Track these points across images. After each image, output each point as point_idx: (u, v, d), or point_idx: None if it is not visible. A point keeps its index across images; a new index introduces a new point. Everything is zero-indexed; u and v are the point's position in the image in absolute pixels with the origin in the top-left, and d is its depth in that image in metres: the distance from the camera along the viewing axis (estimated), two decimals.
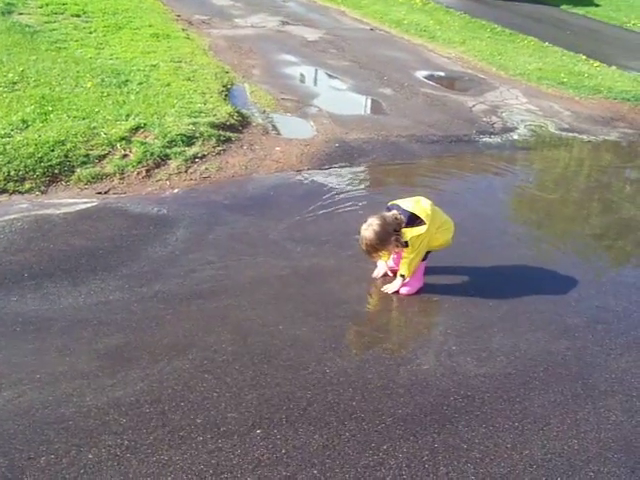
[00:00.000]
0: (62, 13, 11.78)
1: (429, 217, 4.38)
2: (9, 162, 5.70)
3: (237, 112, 7.68)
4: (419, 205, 4.45)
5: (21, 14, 11.40)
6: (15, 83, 7.66)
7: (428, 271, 4.75)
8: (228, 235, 5.15)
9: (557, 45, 14.28)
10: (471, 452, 3.31)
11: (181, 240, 5.00)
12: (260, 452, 3.19)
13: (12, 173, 5.61)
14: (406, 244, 4.39)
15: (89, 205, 5.40)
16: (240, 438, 3.26)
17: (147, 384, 3.55)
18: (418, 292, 4.65)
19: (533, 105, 9.72)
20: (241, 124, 7.43)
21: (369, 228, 4.27)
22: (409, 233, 4.35)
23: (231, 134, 7.06)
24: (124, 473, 3.00)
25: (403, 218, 4.35)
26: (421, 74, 10.88)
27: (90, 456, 3.08)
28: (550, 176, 7.50)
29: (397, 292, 4.60)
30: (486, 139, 8.10)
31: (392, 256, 4.72)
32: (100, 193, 5.61)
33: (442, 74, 11.16)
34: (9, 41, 9.37)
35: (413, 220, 4.37)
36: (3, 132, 6.16)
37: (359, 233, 4.36)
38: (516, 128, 8.62)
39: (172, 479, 3.00)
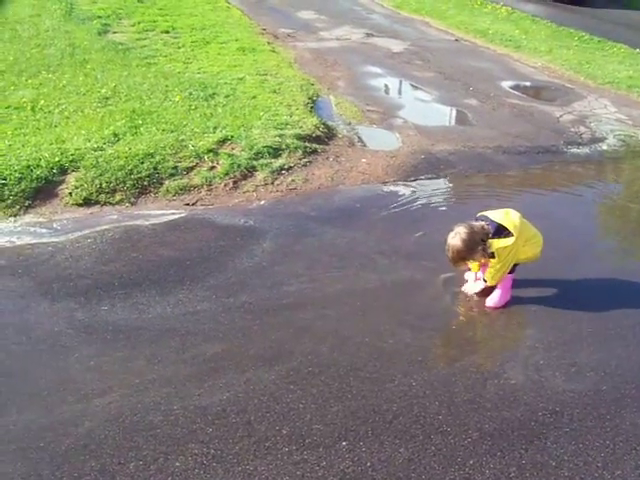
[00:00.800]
0: (152, 30, 12.09)
1: (517, 229, 4.24)
2: (101, 175, 5.84)
3: (323, 124, 7.66)
4: (508, 217, 4.32)
5: (115, 33, 11.79)
6: (108, 98, 7.88)
7: (516, 284, 4.59)
8: (315, 247, 5.11)
9: None
10: (560, 470, 3.17)
11: (268, 251, 4.99)
12: (345, 464, 3.14)
13: (104, 185, 5.75)
14: (492, 255, 4.26)
15: (177, 216, 5.47)
16: (325, 450, 3.21)
17: (233, 394, 3.55)
18: (506, 305, 4.50)
19: (623, 114, 9.35)
20: (327, 136, 7.41)
21: (456, 236, 4.16)
22: (496, 244, 4.23)
23: (317, 146, 7.05)
24: None
25: (490, 229, 4.22)
26: (507, 84, 10.63)
27: (177, 464, 3.10)
28: None
29: (480, 297, 4.50)
30: (574, 150, 7.81)
31: (480, 270, 4.60)
32: (188, 204, 5.68)
33: (528, 84, 10.88)
34: (103, 59, 9.68)
35: (501, 231, 4.24)
36: (96, 145, 6.33)
37: (446, 242, 4.25)
38: (605, 138, 8.29)
39: None
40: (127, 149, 6.27)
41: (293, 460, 3.14)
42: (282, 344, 3.97)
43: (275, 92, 8.68)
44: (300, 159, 6.68)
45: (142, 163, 6.06)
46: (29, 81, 8.51)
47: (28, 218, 5.40)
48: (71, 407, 3.44)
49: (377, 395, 3.60)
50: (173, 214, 5.50)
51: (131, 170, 5.94)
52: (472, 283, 4.60)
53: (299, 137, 7.07)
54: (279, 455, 3.17)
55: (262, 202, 5.82)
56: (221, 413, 3.41)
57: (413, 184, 6.44)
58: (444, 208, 5.96)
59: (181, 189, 5.88)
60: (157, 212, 5.52)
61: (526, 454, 3.25)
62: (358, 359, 3.87)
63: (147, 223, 5.33)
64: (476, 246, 4.18)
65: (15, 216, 5.41)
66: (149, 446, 3.20)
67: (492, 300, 4.48)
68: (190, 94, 8.18)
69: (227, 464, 3.11)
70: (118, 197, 5.69)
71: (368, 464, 3.14)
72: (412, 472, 3.11)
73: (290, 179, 6.27)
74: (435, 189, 6.39)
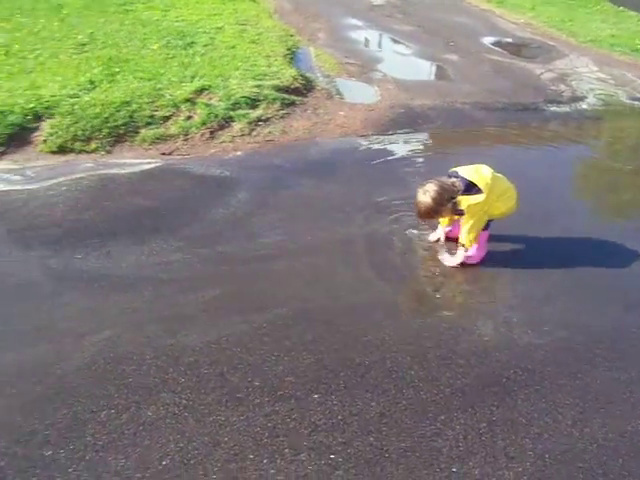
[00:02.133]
0: None
1: (488, 186, 4.23)
2: (76, 122, 5.78)
3: (301, 76, 7.61)
4: (479, 173, 4.32)
5: None
6: (84, 45, 7.76)
7: (491, 241, 4.64)
8: (291, 199, 5.12)
9: (633, 10, 13.70)
10: (530, 427, 3.23)
11: (243, 202, 5.00)
12: (317, 417, 3.17)
13: (79, 133, 5.70)
14: (462, 212, 4.28)
15: (153, 165, 5.45)
16: (297, 402, 3.25)
17: (206, 345, 3.57)
18: (481, 261, 4.55)
19: (604, 74, 9.37)
20: (305, 88, 7.37)
21: (426, 194, 4.15)
22: (465, 201, 4.23)
23: (295, 98, 7.01)
24: (181, 431, 3.03)
25: (461, 185, 4.21)
26: (488, 40, 10.59)
27: (149, 413, 3.12)
28: (620, 146, 7.23)
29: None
30: (554, 108, 7.84)
31: (450, 225, 4.63)
32: (164, 154, 5.65)
33: (510, 40, 10.84)
34: (80, 4, 9.50)
35: (470, 188, 4.23)
36: (72, 92, 6.25)
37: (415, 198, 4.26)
38: (585, 97, 8.32)
39: (228, 439, 3.01)
40: (103, 97, 6.20)
41: (265, 412, 3.17)
42: (256, 296, 3.99)
43: (254, 42, 8.58)
44: (278, 110, 6.65)
45: (118, 111, 6.00)
46: (2, 25, 8.33)
47: (1, 165, 5.35)
48: (43, 355, 3.44)
49: (350, 348, 3.63)
50: (149, 163, 5.48)
51: (107, 118, 5.89)
52: (449, 257, 4.55)
53: (277, 88, 7.02)
54: (251, 406, 3.19)
55: (238, 153, 5.81)
56: (193, 364, 3.42)
57: (391, 138, 6.44)
58: (421, 162, 5.98)
59: (157, 138, 5.84)
60: (133, 161, 5.49)
61: (497, 410, 3.30)
62: (332, 312, 3.90)
63: (123, 172, 5.31)
64: (445, 203, 4.18)
65: None
66: (121, 395, 3.21)
67: (467, 256, 4.51)
68: (168, 42, 8.07)
69: (198, 414, 3.13)
70: (93, 145, 5.64)
71: (340, 417, 3.18)
72: (384, 426, 3.15)
73: (267, 130, 6.25)
74: (413, 143, 6.40)
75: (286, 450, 2.96)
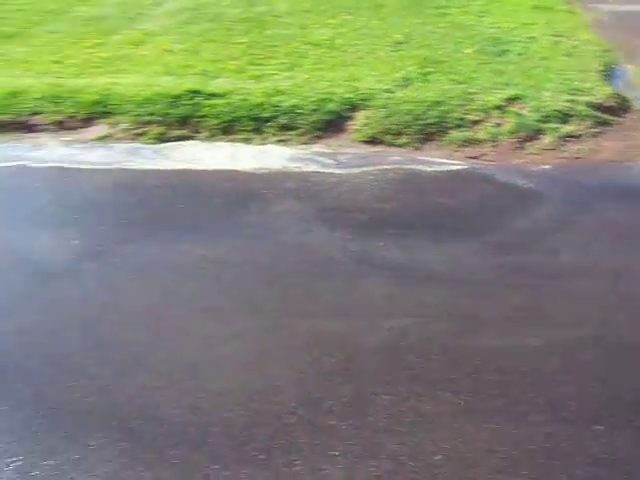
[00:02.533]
0: None
1: None
2: (389, 116, 6.00)
3: (618, 95, 7.17)
4: None
5: None
6: (400, 43, 8.01)
7: None
8: (595, 221, 4.86)
9: None
10: None
11: (547, 217, 4.84)
12: (597, 450, 2.92)
13: (391, 126, 5.91)
14: None
15: (459, 167, 5.48)
16: (578, 430, 3.03)
17: (493, 351, 3.50)
18: None
19: None
20: (621, 107, 6.93)
21: None
22: None
23: (609, 117, 6.62)
24: (457, 431, 3.01)
25: None
26: None
27: (428, 407, 3.13)
28: None
29: None
30: None
31: None
32: (471, 157, 5.66)
33: None
34: (398, 5, 9.82)
35: None
36: (386, 87, 6.50)
37: None
38: None
39: (502, 450, 2.92)
40: (416, 94, 6.37)
41: (544, 431, 3.01)
42: (552, 312, 3.84)
43: (569, 55, 8.25)
44: (589, 128, 6.33)
45: (429, 110, 6.12)
46: (329, 21, 8.90)
47: (317, 148, 5.72)
48: (338, 331, 3.63)
49: None
50: (455, 164, 5.52)
51: (418, 115, 6.03)
52: None
53: (591, 105, 6.68)
54: (529, 422, 3.05)
55: (545, 166, 5.63)
56: (478, 368, 3.36)
57: None
58: None
59: (465, 141, 5.86)
60: (439, 160, 5.57)
61: None
62: (631, 343, 3.60)
63: (428, 169, 5.42)
64: None
65: (305, 144, 5.77)
66: (403, 384, 3.25)
67: None
68: (481, 48, 8.05)
69: (476, 418, 3.08)
70: (403, 140, 5.82)
71: (622, 455, 2.92)
72: None
73: (577, 147, 5.98)
74: None
75: (561, 475, 2.81)
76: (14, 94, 6.53)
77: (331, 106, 6.11)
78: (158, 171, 5.35)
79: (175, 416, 3.04)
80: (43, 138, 6.02)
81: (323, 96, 6.23)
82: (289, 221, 4.68)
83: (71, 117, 6.19)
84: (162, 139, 5.80)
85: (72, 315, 3.81)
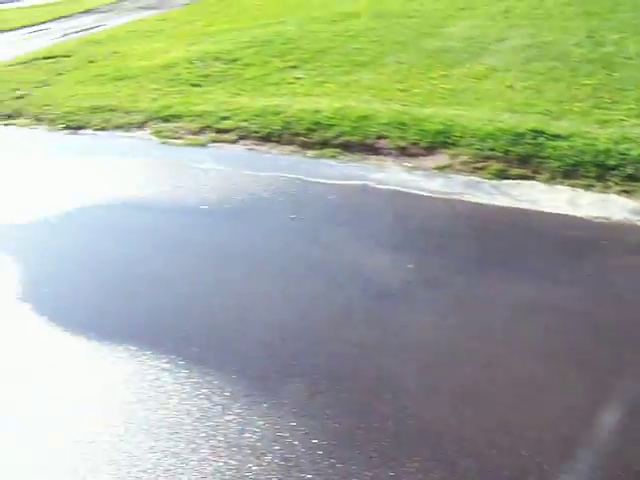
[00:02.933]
0: None
1: None
2: None
3: None
4: None
5: None
6: None
7: None
8: None
9: None
10: None
11: None
12: None
13: None
14: None
15: None
16: None
17: None
18: None
19: None
20: None
21: None
22: None
23: None
24: None
25: None
26: None
27: None
28: None
29: None
30: None
31: None
32: None
33: None
34: None
35: None
36: None
37: None
38: None
39: None
40: None
41: None
42: None
43: None
44: None
45: None
46: None
47: None
48: None
49: None
50: None
51: None
52: None
53: None
54: None
55: None
56: None
57: None
58: None
59: None
60: None
61: None
62: None
63: None
64: None
65: None
66: None
67: None
68: None
69: None
70: None
71: None
72: None
73: None
74: None
75: None
76: (363, 118, 7.03)
77: None
78: (495, 207, 5.38)
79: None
80: (386, 162, 6.40)
81: None
82: (629, 277, 4.43)
83: (414, 144, 6.50)
84: (501, 175, 5.83)
85: (401, 334, 3.99)
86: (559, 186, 5.63)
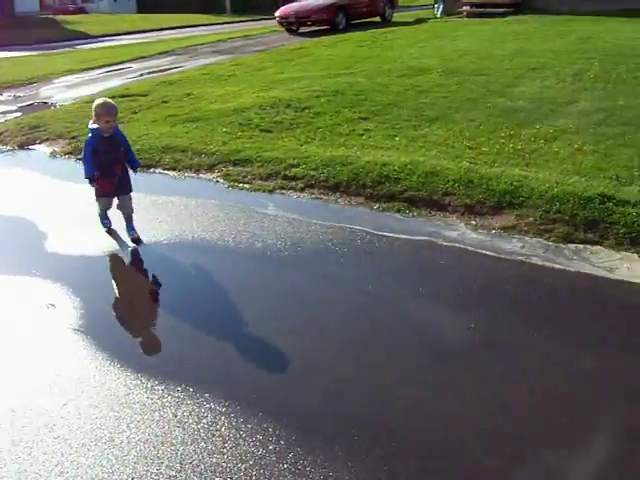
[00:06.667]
0: None
1: None
2: None
3: None
4: None
5: None
6: None
7: None
8: None
9: None
10: None
11: None
12: None
13: None
14: None
15: None
16: None
17: None
18: None
19: None
20: None
21: None
22: None
23: None
24: None
25: None
26: None
27: None
28: None
29: None
30: None
31: None
32: None
33: None
34: None
35: None
36: None
37: None
38: None
39: None
40: None
41: None
42: None
43: None
44: None
45: None
46: None
47: None
48: None
49: None
50: None
51: None
52: None
53: None
54: None
55: None
56: None
57: None
58: None
59: None
60: None
61: None
62: None
63: None
64: None
65: None
66: None
67: None
68: None
69: None
70: None
71: None
72: None
73: None
74: None
75: None
76: (432, 174, 7.09)
77: None
78: (558, 270, 5.35)
79: None
80: (452, 219, 6.42)
81: None
82: None
83: (481, 203, 6.51)
84: (567, 239, 5.80)
85: (464, 396, 3.98)
86: (624, 253, 5.57)
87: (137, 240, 6.26)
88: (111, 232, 6.53)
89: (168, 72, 16.45)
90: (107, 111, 5.92)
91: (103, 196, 6.35)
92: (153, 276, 5.80)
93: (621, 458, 3.47)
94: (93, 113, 5.94)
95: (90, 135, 6.05)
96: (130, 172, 6.32)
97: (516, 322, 4.73)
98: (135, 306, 5.35)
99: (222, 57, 18.79)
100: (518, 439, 3.59)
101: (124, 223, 6.42)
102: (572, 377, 4.10)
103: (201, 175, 8.24)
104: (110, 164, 6.09)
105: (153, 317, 5.19)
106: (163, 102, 12.22)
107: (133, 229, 6.35)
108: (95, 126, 5.97)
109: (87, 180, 6.11)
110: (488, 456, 3.48)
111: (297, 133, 9.41)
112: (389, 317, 4.88)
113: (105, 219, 6.56)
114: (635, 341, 4.48)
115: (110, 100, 6.15)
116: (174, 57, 19.94)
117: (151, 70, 17.12)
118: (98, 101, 6.00)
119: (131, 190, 6.37)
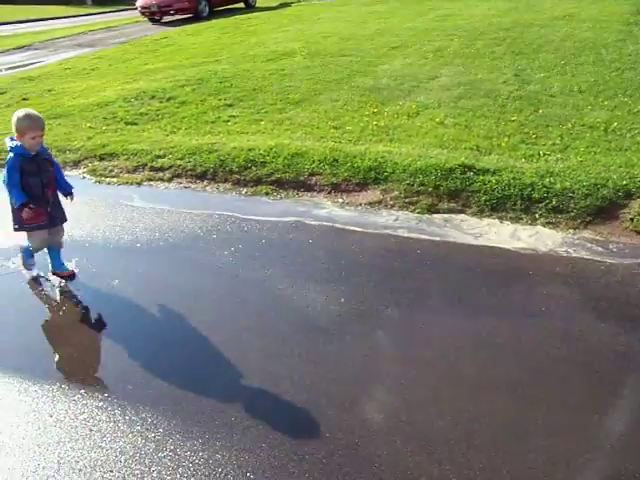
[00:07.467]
0: None
1: None
2: None
3: None
4: None
5: None
6: None
7: None
8: None
9: None
10: None
11: None
12: None
13: None
14: None
15: None
16: None
17: None
18: None
19: None
20: None
21: None
22: None
23: None
24: None
25: None
26: None
27: None
28: None
29: None
30: None
31: None
32: None
33: None
34: None
35: None
36: None
37: None
38: None
39: None
40: None
41: None
42: None
43: None
44: None
45: None
46: (605, 103, 8.67)
47: (586, 234, 5.56)
48: None
49: None
50: None
51: None
52: None
53: None
54: None
55: None
56: None
57: None
58: None
59: None
60: None
61: None
62: None
63: None
64: None
65: (575, 229, 5.62)
66: None
67: None
68: None
69: None
70: None
71: None
72: None
73: None
74: None
75: None
76: (297, 155, 7.13)
77: (604, 192, 5.90)
78: (424, 240, 5.51)
79: None
80: (319, 198, 6.49)
81: (596, 181, 6.05)
82: (554, 306, 4.57)
83: (346, 181, 6.61)
84: (432, 210, 5.98)
85: (334, 369, 4.03)
86: (487, 219, 5.80)
87: (74, 274, 5.36)
88: (36, 280, 5.41)
89: (27, 68, 15.72)
90: (33, 124, 4.80)
91: (36, 229, 5.12)
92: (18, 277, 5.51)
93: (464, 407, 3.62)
94: (14, 128, 4.82)
95: (12, 155, 4.87)
96: (61, 198, 5.30)
97: (386, 292, 4.83)
98: None
99: (84, 50, 18.15)
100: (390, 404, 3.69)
101: (47, 259, 5.45)
102: (441, 341, 4.24)
103: (66, 172, 7.90)
104: (40, 189, 5.00)
105: (19, 317, 4.94)
106: (23, 99, 11.65)
107: (63, 264, 5.40)
108: (16, 143, 4.85)
109: (18, 208, 4.93)
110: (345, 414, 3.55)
111: (163, 124, 9.24)
112: (259, 298, 4.87)
113: (31, 258, 5.41)
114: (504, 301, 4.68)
115: (34, 111, 4.97)
116: (33, 52, 19.06)
117: (8, 66, 16.30)
118: (18, 113, 4.84)
119: (66, 220, 5.35)
